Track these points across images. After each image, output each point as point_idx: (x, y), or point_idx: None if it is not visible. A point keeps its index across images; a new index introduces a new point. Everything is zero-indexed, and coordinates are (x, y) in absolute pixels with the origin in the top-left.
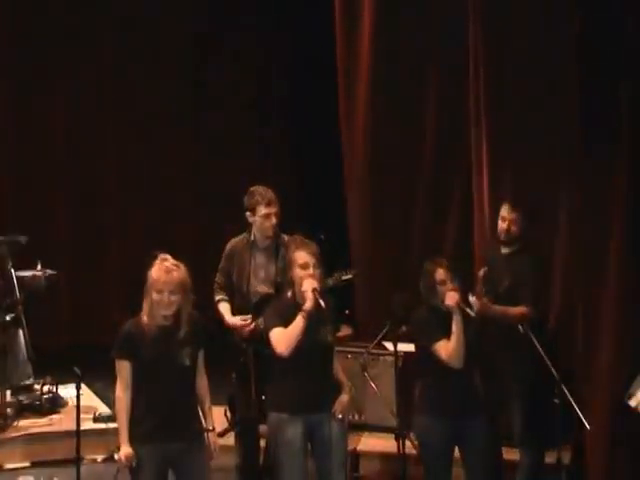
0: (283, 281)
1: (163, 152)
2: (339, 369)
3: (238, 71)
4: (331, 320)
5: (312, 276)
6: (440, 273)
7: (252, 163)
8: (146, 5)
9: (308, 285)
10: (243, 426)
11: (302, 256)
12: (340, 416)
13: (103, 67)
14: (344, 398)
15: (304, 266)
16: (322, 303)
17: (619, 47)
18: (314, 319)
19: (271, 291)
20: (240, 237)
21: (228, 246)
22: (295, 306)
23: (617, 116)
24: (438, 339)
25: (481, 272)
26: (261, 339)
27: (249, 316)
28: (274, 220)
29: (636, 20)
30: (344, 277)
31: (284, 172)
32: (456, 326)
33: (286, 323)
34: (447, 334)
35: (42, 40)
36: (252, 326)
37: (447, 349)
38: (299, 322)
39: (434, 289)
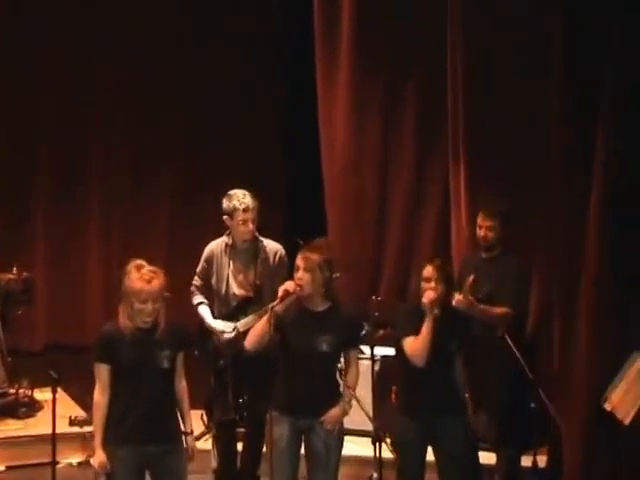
0: (262, 284)
1: (145, 151)
2: (349, 382)
3: (222, 74)
4: (338, 331)
5: (298, 279)
6: (427, 270)
7: (235, 163)
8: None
9: (284, 285)
10: (220, 429)
11: (297, 259)
12: (328, 427)
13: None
14: (334, 411)
15: (295, 269)
16: (276, 302)
17: (601, 50)
18: (314, 325)
19: (250, 294)
20: (219, 240)
21: (207, 249)
22: (296, 307)
23: (594, 125)
24: (408, 334)
25: (470, 278)
26: (240, 346)
27: (232, 324)
28: (251, 226)
29: (618, 23)
30: None
31: (266, 172)
32: (426, 325)
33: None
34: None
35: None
36: (233, 334)
37: (412, 345)
38: (263, 320)
39: (420, 285)
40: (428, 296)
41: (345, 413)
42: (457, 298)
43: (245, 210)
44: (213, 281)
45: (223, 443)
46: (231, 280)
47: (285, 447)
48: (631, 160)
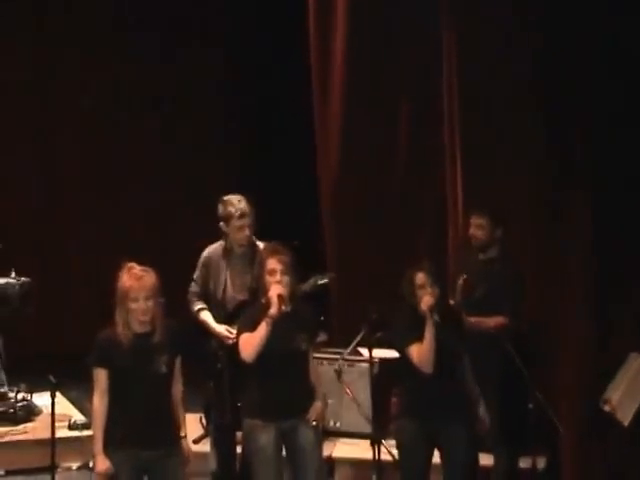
0: (257, 287)
1: (131, 155)
2: (316, 376)
3: (205, 73)
4: (308, 327)
5: (279, 282)
6: (420, 277)
7: (221, 165)
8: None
9: (273, 291)
10: (219, 433)
11: (270, 263)
12: (314, 423)
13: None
14: (318, 405)
15: (271, 273)
16: (284, 309)
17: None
18: (288, 326)
19: (247, 298)
20: (216, 245)
21: (204, 254)
22: (263, 310)
23: (580, 135)
24: (411, 342)
25: (460, 280)
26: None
27: (234, 330)
28: (247, 232)
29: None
30: (320, 282)
31: (258, 174)
32: (428, 331)
33: (256, 329)
34: (422, 338)
35: None
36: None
37: (418, 353)
38: (262, 328)
39: (414, 293)
40: (427, 302)
41: (326, 405)
42: None
43: (241, 216)
44: (211, 285)
45: (222, 446)
46: (229, 284)
47: (273, 455)
48: (613, 160)
